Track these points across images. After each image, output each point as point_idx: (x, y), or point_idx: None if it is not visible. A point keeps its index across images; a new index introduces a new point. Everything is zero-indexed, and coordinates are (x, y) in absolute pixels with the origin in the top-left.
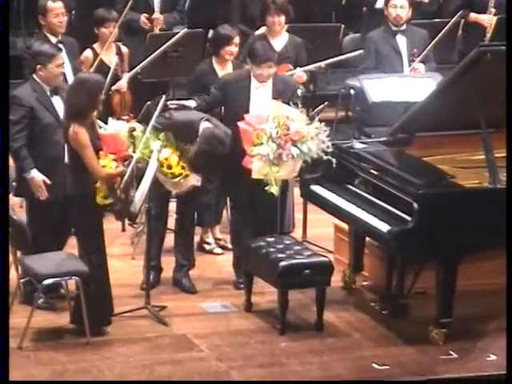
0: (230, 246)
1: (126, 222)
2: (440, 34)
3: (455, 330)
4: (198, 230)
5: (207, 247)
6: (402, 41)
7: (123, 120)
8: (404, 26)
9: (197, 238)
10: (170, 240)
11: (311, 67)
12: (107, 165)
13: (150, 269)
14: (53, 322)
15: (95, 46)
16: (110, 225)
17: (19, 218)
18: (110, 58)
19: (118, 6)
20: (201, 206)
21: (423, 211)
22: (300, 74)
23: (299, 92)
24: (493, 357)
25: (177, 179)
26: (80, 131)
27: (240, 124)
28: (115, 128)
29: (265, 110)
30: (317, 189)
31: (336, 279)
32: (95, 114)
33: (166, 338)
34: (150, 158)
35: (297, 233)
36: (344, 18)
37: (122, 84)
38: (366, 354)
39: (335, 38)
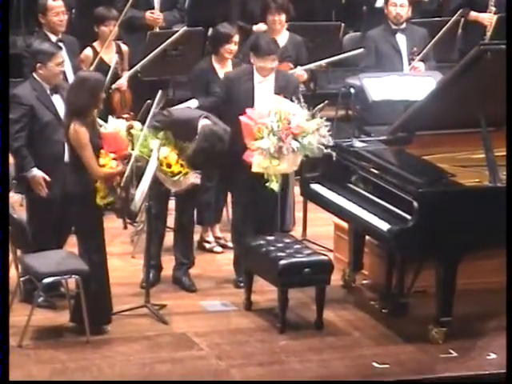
0: (229, 244)
1: (127, 219)
2: (440, 33)
3: (455, 328)
4: (197, 228)
5: (207, 246)
6: (401, 39)
7: (123, 118)
8: (404, 25)
9: (197, 237)
10: (169, 238)
11: (312, 66)
12: (108, 164)
13: (149, 267)
14: (53, 321)
15: (95, 44)
16: (110, 223)
17: (19, 216)
18: (110, 57)
19: (118, 4)
20: (201, 204)
21: (423, 210)
22: (300, 72)
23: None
24: (493, 355)
25: (176, 177)
26: (80, 130)
27: (242, 118)
28: (115, 126)
29: (267, 105)
30: (317, 187)
31: (336, 278)
32: (96, 112)
33: (165, 337)
34: (149, 156)
35: (297, 231)
36: (344, 16)
37: (122, 82)
38: (365, 353)
39: (335, 37)
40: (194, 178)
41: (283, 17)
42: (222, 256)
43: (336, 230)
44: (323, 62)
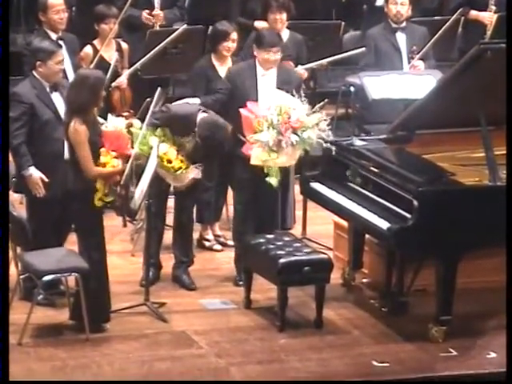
0: (229, 242)
1: (126, 217)
2: (440, 32)
3: (455, 327)
4: (197, 226)
5: (207, 244)
6: (401, 38)
7: (123, 117)
8: (404, 24)
9: (196, 235)
10: (169, 237)
11: (313, 65)
12: (109, 162)
13: (149, 265)
14: (52, 319)
15: (95, 42)
16: (110, 221)
17: (19, 214)
18: (110, 55)
19: (118, 2)
20: (200, 202)
21: (423, 209)
22: (301, 71)
23: None
24: (493, 354)
25: (178, 172)
26: (80, 128)
27: (242, 111)
28: (114, 125)
29: (269, 99)
30: (317, 186)
31: (335, 276)
32: (96, 110)
33: (165, 335)
34: (149, 154)
35: (296, 230)
36: (344, 15)
37: (122, 80)
38: (365, 351)
39: (335, 36)
40: (195, 173)
41: (284, 15)
42: (222, 254)
43: (336, 228)
44: (324, 61)
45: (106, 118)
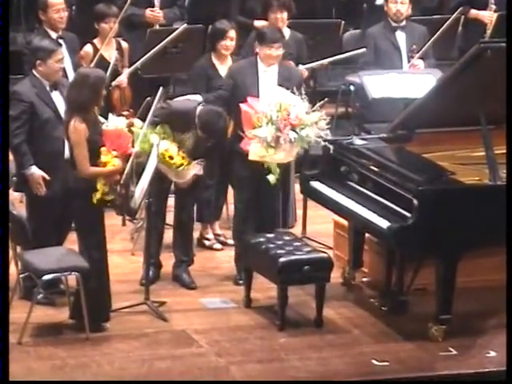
0: (229, 241)
1: (126, 216)
2: (440, 31)
3: (455, 326)
4: (197, 225)
5: (207, 243)
6: (401, 37)
7: (123, 116)
8: (404, 22)
9: (196, 234)
10: (169, 236)
11: (314, 65)
12: (110, 161)
13: (149, 264)
14: (52, 318)
15: (95, 41)
16: (110, 220)
17: (19, 213)
18: (110, 54)
19: (118, 1)
20: (200, 201)
21: (423, 208)
22: (302, 70)
23: None
24: (492, 353)
25: (179, 169)
26: (80, 127)
27: (242, 106)
28: (115, 124)
29: (269, 96)
30: (316, 185)
31: (335, 275)
32: (96, 109)
33: (165, 334)
34: (150, 152)
35: (296, 229)
36: (344, 14)
37: (122, 79)
38: (365, 350)
39: (335, 34)
40: (197, 169)
41: (285, 14)
42: (222, 253)
43: (336, 227)
44: (325, 61)
45: (106, 118)
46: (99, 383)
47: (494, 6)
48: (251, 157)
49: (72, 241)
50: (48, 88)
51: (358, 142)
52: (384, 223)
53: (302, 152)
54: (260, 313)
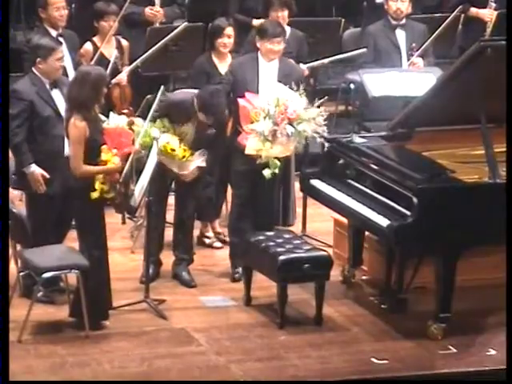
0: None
1: (126, 214)
2: (440, 29)
3: (454, 324)
4: (197, 223)
5: (207, 241)
6: (401, 35)
7: (123, 114)
8: (403, 21)
9: (196, 232)
10: (169, 234)
11: (314, 64)
12: (110, 160)
13: (149, 262)
14: (52, 316)
15: (95, 39)
16: (110, 218)
17: (19, 211)
18: (110, 52)
19: None
20: (201, 199)
21: (423, 206)
22: (303, 68)
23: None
24: (492, 352)
25: (183, 159)
26: (80, 125)
27: (240, 100)
28: (116, 122)
29: (268, 91)
30: (316, 183)
31: (335, 273)
32: (97, 107)
33: (164, 332)
34: (151, 145)
35: (296, 227)
36: (344, 12)
37: (122, 77)
38: (364, 349)
39: (335, 33)
40: (200, 161)
41: (286, 13)
42: (222, 251)
43: (335, 225)
44: (326, 61)
45: (107, 116)
46: (99, 382)
47: (493, 4)
48: (248, 151)
49: (72, 239)
50: (48, 86)
51: (357, 140)
52: (384, 221)
53: (301, 150)
54: (260, 311)
